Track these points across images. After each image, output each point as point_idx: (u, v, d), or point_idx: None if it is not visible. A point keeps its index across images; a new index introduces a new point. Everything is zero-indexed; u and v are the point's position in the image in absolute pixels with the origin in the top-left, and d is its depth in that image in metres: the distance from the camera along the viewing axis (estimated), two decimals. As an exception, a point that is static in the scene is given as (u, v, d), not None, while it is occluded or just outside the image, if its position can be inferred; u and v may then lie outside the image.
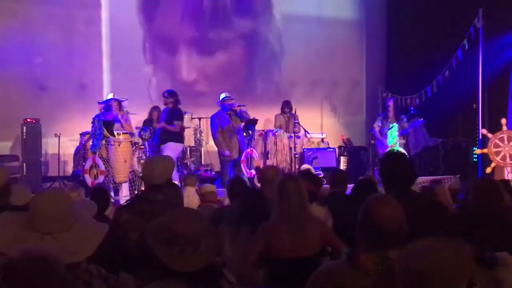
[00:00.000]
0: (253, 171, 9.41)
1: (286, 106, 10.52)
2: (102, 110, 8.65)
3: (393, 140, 9.63)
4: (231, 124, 9.34)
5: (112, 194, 8.41)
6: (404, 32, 12.24)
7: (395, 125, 9.70)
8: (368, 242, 2.34)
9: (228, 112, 9.34)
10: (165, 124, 8.98)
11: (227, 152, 9.22)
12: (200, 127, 11.23)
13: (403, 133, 9.85)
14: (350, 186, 5.47)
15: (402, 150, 8.75)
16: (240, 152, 9.43)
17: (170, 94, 9.16)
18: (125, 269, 3.34)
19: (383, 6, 13.11)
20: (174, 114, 9.04)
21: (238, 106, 9.44)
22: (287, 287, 3.39)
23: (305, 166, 9.09)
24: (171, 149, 8.73)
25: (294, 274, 3.33)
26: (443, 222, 2.98)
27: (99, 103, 9.08)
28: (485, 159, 10.08)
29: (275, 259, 3.47)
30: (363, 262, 2.29)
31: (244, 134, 10.52)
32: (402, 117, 9.96)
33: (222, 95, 9.42)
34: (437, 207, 3.23)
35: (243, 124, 9.52)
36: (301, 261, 3.40)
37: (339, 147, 11.56)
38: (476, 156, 10.75)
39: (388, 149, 9.41)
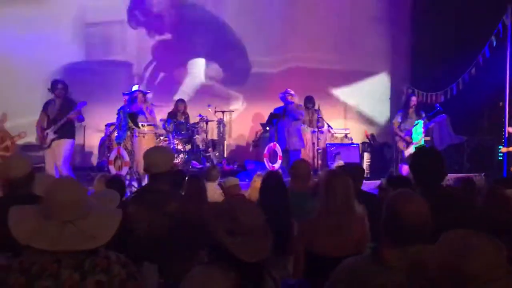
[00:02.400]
0: (275, 165, 9.41)
1: (309, 101, 10.51)
2: (127, 102, 8.72)
3: (418, 137, 9.54)
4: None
5: (136, 184, 8.55)
6: (430, 28, 12.11)
7: (421, 121, 9.60)
8: (392, 237, 2.32)
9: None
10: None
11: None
12: (223, 120, 11.26)
13: (425, 129, 9.76)
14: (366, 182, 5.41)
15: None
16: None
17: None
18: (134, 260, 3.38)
19: (409, 1, 12.99)
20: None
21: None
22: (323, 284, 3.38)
23: (340, 163, 9.04)
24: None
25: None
26: (470, 218, 2.97)
27: (123, 94, 9.15)
28: (510, 158, 9.95)
29: (315, 254, 3.43)
30: (387, 257, 2.28)
31: (267, 128, 10.57)
32: (422, 113, 9.87)
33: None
34: (464, 203, 3.22)
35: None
36: (341, 260, 3.38)
37: (363, 143, 11.50)
38: (501, 154, 10.61)
39: (413, 145, 9.34)
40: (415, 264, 2.14)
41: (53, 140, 7.92)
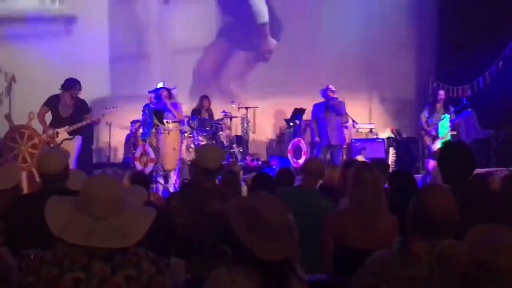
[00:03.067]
0: (300, 161, 9.41)
1: (334, 97, 10.46)
2: (152, 99, 8.79)
3: (445, 131, 9.45)
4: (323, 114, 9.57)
5: (162, 181, 8.62)
6: (456, 21, 11.95)
7: (447, 116, 9.52)
8: (420, 230, 2.32)
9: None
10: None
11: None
12: (247, 116, 11.28)
13: (451, 124, 9.67)
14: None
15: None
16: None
17: None
18: (174, 254, 3.41)
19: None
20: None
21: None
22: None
23: (360, 157, 9.02)
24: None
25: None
26: (498, 211, 2.94)
27: (149, 92, 9.21)
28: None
29: (342, 247, 3.42)
30: (416, 250, 2.28)
31: (291, 124, 10.57)
32: (450, 107, 9.77)
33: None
34: (492, 197, 3.19)
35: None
36: (369, 253, 3.35)
37: (388, 138, 11.42)
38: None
39: (439, 140, 9.26)
40: (443, 257, 2.12)
41: (65, 139, 7.73)
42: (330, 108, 9.50)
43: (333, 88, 9.61)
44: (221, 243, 3.28)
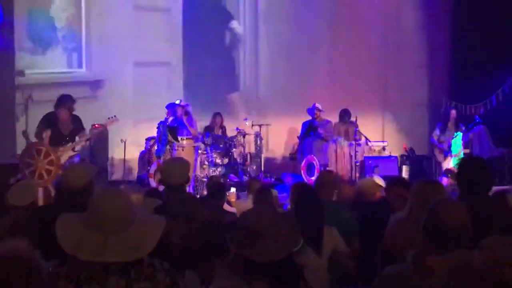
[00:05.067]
0: (313, 178, 9.42)
1: (345, 114, 10.51)
2: (168, 115, 8.86)
3: (457, 149, 9.45)
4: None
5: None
6: (469, 40, 11.97)
7: (460, 133, 9.53)
8: (433, 243, 2.35)
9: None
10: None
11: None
12: (260, 133, 11.33)
13: (464, 141, 9.68)
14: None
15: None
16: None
17: None
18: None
19: (448, 12, 12.87)
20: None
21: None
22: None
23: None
24: None
25: None
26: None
27: (166, 107, 9.29)
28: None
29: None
30: (429, 263, 2.30)
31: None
32: (461, 126, 9.79)
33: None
34: (508, 212, 3.19)
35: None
36: None
37: (401, 155, 11.40)
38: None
39: (452, 158, 9.25)
40: (456, 270, 2.15)
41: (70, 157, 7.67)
42: (314, 127, 9.67)
43: (320, 107, 9.79)
44: (214, 253, 3.33)
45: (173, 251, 3.41)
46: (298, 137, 11.10)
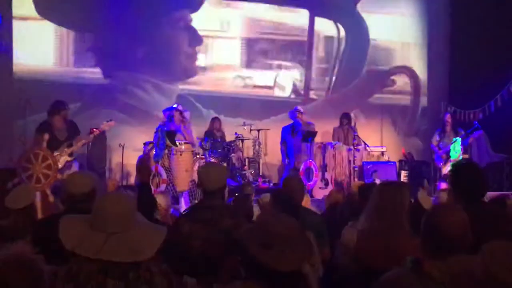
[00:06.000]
0: (311, 183, 9.42)
1: (345, 118, 10.51)
2: (166, 119, 8.84)
3: (456, 154, 9.45)
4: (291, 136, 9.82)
5: (170, 202, 8.62)
6: (467, 45, 11.99)
7: (459, 139, 9.53)
8: (432, 249, 2.33)
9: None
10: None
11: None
12: (258, 138, 11.31)
13: (463, 146, 9.69)
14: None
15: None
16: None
17: None
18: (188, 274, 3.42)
19: (447, 18, 12.90)
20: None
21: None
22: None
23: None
24: None
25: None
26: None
27: (163, 111, 9.28)
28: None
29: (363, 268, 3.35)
30: (428, 269, 2.28)
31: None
32: (460, 131, 9.79)
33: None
34: (506, 218, 3.17)
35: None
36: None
37: (400, 161, 11.40)
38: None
39: (450, 163, 9.24)
40: (456, 275, 2.13)
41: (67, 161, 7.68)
42: (296, 130, 9.69)
43: (301, 110, 9.80)
44: (236, 260, 3.31)
45: (193, 254, 3.45)
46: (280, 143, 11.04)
